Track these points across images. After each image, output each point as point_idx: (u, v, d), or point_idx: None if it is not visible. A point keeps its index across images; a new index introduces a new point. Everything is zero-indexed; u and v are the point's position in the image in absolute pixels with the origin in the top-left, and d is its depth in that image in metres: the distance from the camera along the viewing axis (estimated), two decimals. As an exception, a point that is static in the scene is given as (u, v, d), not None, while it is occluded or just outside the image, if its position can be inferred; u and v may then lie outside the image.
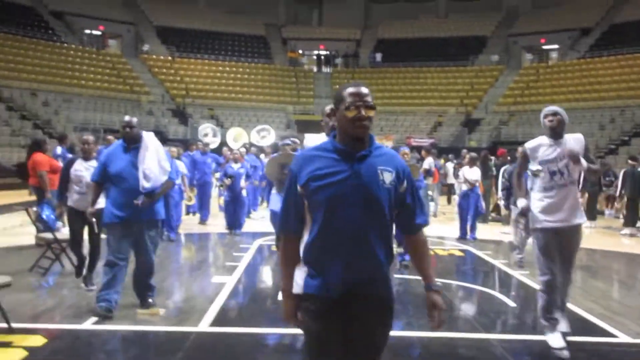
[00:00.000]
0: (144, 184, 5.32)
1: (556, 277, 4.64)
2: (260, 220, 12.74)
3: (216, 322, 5.58)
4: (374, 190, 2.27)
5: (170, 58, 36.69)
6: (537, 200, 4.71)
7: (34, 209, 8.83)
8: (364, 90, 2.32)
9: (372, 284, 2.28)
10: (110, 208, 5.43)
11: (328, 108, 4.38)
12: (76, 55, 33.25)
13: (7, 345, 4.76)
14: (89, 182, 6.01)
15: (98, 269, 6.40)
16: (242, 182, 11.15)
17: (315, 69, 40.54)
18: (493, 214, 14.29)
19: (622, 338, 5.06)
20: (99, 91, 30.92)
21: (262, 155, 14.23)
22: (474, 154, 12.50)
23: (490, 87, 35.48)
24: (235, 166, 11.18)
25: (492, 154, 16.78)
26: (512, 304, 6.26)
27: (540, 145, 4.69)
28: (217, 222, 12.24)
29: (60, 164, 9.05)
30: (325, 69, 40.37)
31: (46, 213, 8.55)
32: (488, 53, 38.58)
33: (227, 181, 10.98)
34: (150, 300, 5.64)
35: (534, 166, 4.65)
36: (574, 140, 4.67)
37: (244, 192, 11.29)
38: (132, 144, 5.39)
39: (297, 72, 38.99)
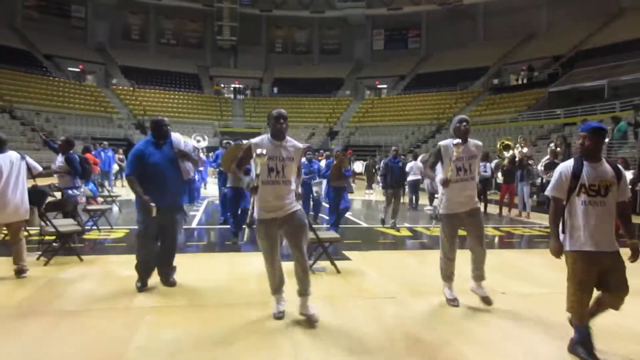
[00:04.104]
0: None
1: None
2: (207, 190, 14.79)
3: (197, 224, 9.24)
4: None
5: (132, 89, 36.91)
6: (446, 190, 4.11)
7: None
8: None
9: None
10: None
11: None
12: (65, 86, 33.39)
13: (114, 231, 7.96)
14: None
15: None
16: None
17: (232, 97, 41.65)
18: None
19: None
20: (83, 111, 31.33)
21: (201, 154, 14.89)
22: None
23: (344, 111, 38.07)
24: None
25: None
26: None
27: (450, 145, 4.08)
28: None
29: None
30: (239, 97, 41.49)
31: (91, 186, 11.75)
32: (344, 89, 41.28)
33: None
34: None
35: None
36: (475, 145, 4.19)
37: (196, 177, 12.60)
38: (164, 139, 4.52)
39: (220, 99, 40.06)
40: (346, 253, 6.51)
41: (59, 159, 6.78)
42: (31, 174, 5.27)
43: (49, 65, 35.05)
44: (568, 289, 3.12)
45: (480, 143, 4.25)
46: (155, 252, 4.57)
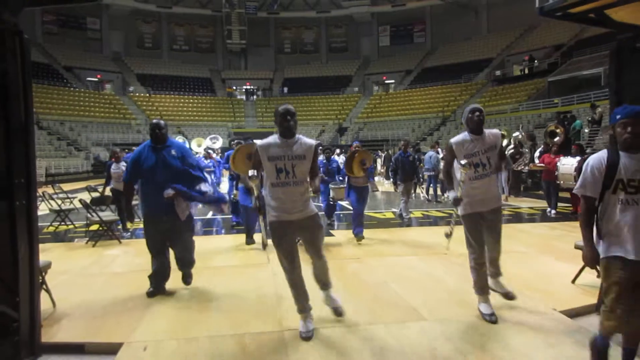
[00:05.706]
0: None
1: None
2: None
3: (211, 215, 10.82)
4: None
5: (148, 95, 38.86)
6: (465, 190, 3.72)
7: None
8: None
9: None
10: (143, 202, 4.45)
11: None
12: (85, 95, 35.68)
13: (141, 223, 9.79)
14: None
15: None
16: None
17: (244, 98, 43.15)
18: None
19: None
20: (103, 119, 33.48)
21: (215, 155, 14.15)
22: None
23: (353, 108, 39.45)
24: (206, 161, 13.31)
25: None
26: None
27: (464, 141, 3.70)
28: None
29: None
30: (251, 98, 43.06)
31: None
32: (352, 86, 42.73)
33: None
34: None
35: (462, 161, 3.60)
36: (492, 135, 3.72)
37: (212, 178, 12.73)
38: (161, 144, 4.36)
39: (232, 101, 41.69)
40: (332, 232, 8.01)
41: (118, 166, 8.01)
42: None
43: (70, 77, 37.24)
44: (603, 301, 2.68)
45: (497, 131, 3.80)
46: (167, 264, 4.64)
